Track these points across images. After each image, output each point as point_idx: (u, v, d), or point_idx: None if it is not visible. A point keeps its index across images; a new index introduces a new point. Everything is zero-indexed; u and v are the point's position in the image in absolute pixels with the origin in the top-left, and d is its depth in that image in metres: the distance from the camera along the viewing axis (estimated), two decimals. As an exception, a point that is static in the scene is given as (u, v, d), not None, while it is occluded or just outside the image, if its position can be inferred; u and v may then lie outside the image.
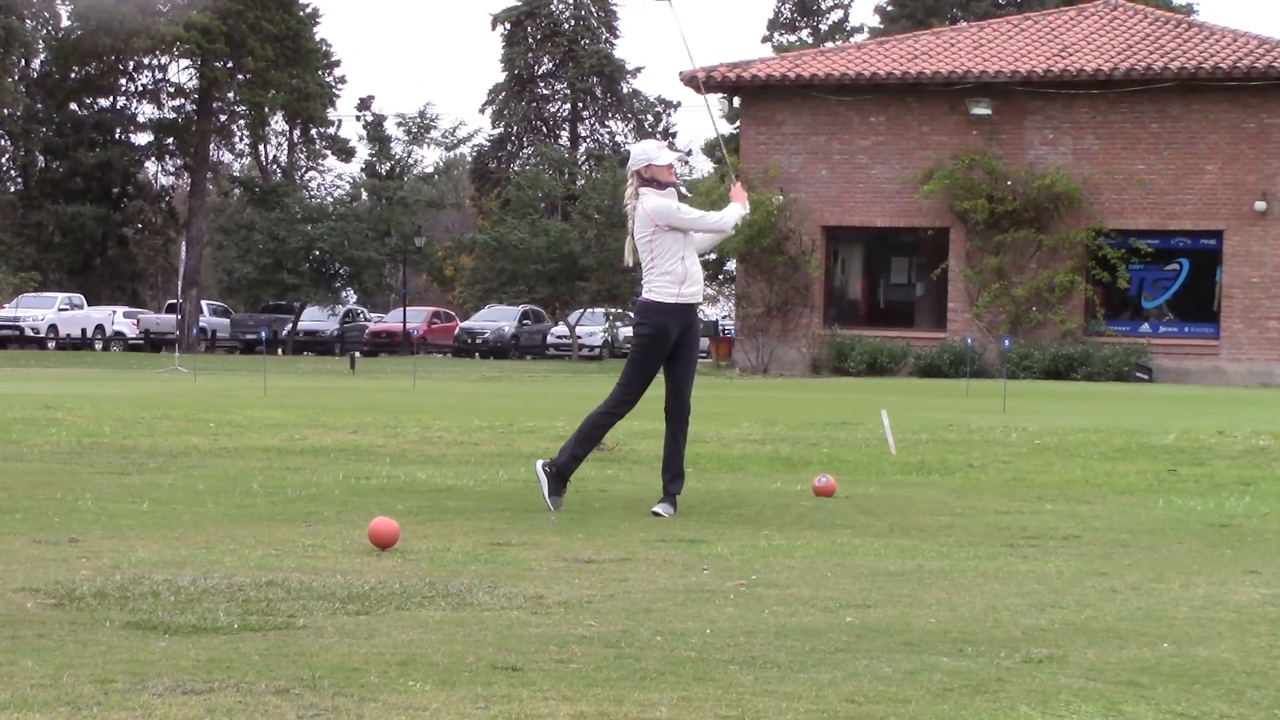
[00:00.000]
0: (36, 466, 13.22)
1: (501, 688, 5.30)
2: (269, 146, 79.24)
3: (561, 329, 63.82)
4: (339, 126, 78.95)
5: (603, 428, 10.75)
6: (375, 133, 74.42)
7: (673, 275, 10.47)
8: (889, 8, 78.67)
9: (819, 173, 41.45)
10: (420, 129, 71.73)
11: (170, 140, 74.24)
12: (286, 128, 78.73)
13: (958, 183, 39.91)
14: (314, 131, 77.88)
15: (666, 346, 10.48)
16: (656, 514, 10.39)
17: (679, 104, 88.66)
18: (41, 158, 74.31)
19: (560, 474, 10.62)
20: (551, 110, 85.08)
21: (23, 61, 73.15)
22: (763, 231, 40.95)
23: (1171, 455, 15.59)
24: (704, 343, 55.46)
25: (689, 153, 75.43)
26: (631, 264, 10.77)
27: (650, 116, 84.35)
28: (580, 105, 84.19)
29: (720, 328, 53.04)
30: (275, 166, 78.29)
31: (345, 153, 78.32)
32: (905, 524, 10.28)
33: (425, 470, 13.30)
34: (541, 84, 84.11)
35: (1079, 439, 17.16)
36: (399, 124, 72.81)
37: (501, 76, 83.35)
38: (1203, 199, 39.07)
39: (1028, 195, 39.55)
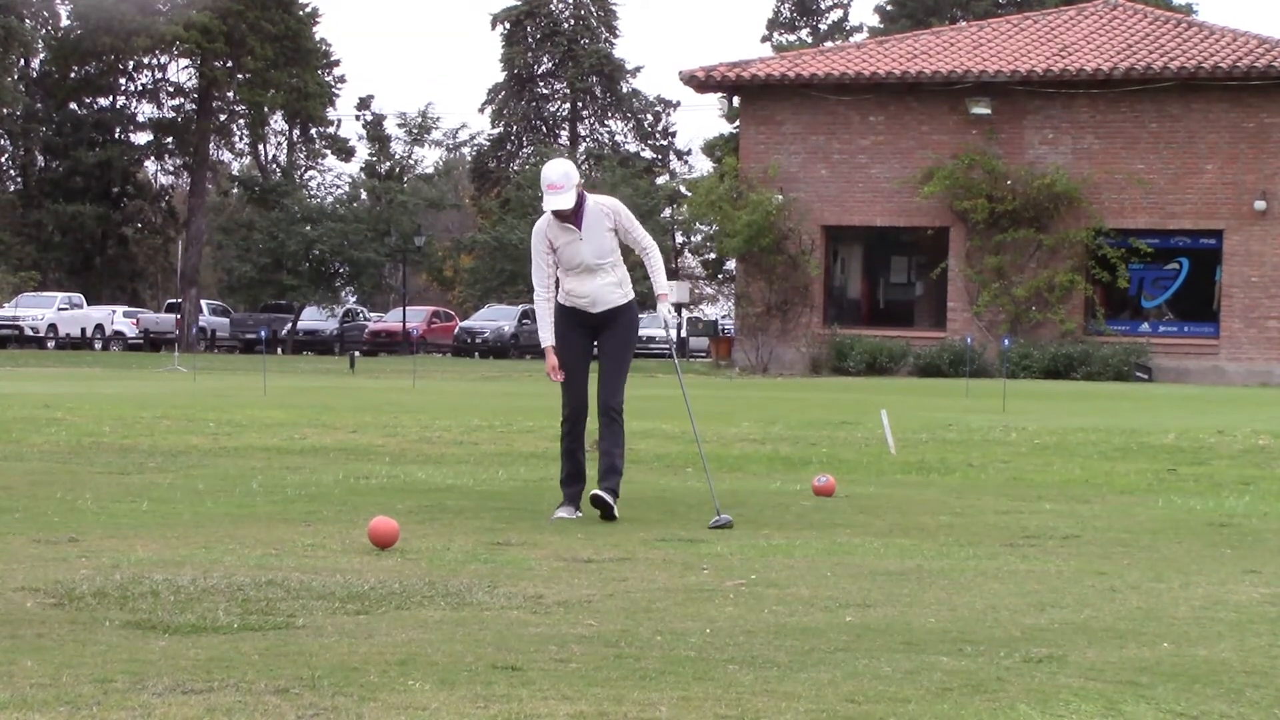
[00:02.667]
0: (36, 466, 13.23)
1: (501, 687, 5.30)
2: (268, 146, 79.25)
3: (561, 328, 63.76)
4: (338, 126, 78.95)
5: (564, 439, 10.51)
6: (375, 132, 74.35)
7: (562, 284, 10.49)
8: (888, 7, 78.68)
9: (818, 172, 41.45)
10: (421, 129, 71.72)
11: (170, 140, 74.20)
12: (286, 127, 78.71)
13: (957, 182, 39.93)
14: (313, 131, 77.87)
15: (569, 348, 10.43)
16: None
17: (678, 103, 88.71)
18: (41, 157, 74.28)
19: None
20: (551, 110, 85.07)
21: (22, 61, 73.13)
22: (762, 231, 40.96)
23: (1171, 455, 15.59)
24: (704, 342, 55.55)
25: (684, 154, 75.32)
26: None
27: (649, 116, 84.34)
28: (580, 105, 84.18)
29: (720, 327, 53.03)
30: (275, 166, 78.28)
31: (345, 152, 78.31)
32: (905, 523, 10.28)
33: (425, 470, 13.31)
34: (541, 83, 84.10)
35: (1079, 438, 17.16)
36: (400, 124, 72.79)
37: (501, 76, 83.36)
38: (1202, 198, 39.08)
39: (1027, 195, 39.56)
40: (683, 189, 69.34)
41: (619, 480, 10.34)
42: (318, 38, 75.15)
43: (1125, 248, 39.48)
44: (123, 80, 74.28)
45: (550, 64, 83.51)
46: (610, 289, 10.40)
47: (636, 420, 19.01)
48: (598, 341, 10.54)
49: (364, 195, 70.85)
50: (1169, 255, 39.85)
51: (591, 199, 10.32)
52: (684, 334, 60.86)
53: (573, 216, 10.21)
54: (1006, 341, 34.43)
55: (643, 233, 10.47)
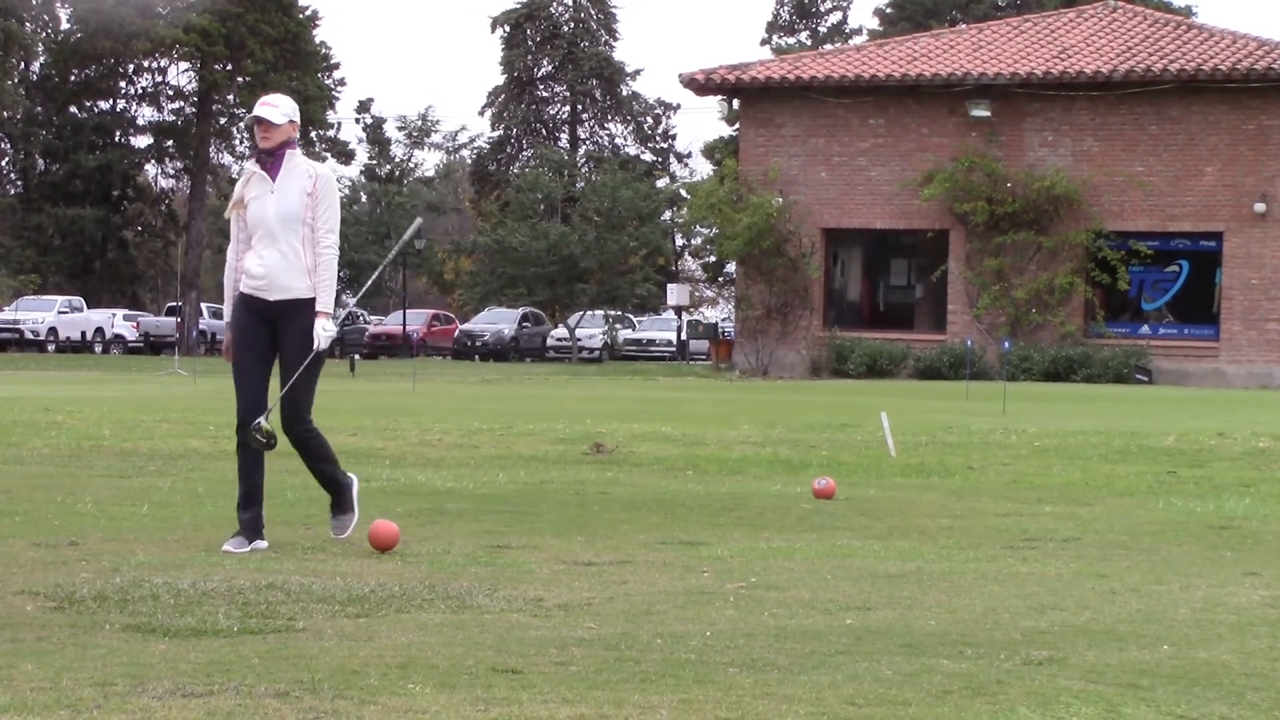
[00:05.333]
0: (36, 469, 13.22)
1: (501, 690, 5.31)
2: (268, 149, 79.19)
3: (561, 331, 63.87)
4: (338, 129, 78.97)
5: (239, 451, 9.11)
6: (375, 135, 74.35)
7: (245, 261, 8.99)
8: (888, 10, 78.72)
9: (818, 175, 41.45)
10: (420, 132, 71.77)
11: (170, 143, 74.21)
12: (286, 130, 78.70)
13: (957, 185, 39.92)
14: (314, 134, 77.89)
15: (243, 340, 8.99)
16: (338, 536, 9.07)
17: (678, 106, 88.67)
18: (41, 160, 74.27)
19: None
20: (551, 112, 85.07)
21: (23, 64, 73.14)
22: (762, 234, 40.96)
23: (1171, 457, 15.60)
24: (704, 344, 55.58)
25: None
26: None
27: (650, 118, 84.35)
28: (580, 107, 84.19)
29: (720, 330, 53.10)
30: (275, 169, 78.23)
31: (345, 155, 78.34)
32: (905, 526, 10.28)
33: (425, 473, 13.31)
34: (541, 86, 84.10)
35: (1079, 441, 17.16)
36: (400, 128, 72.82)
37: (501, 79, 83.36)
38: (1202, 201, 39.08)
39: (1027, 197, 39.56)
40: (683, 192, 69.34)
41: (350, 494, 9.12)
42: (317, 41, 75.18)
43: (1125, 250, 39.48)
44: (123, 84, 74.29)
45: (550, 67, 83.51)
46: (292, 273, 8.81)
47: (637, 423, 19.02)
48: (279, 342, 8.96)
49: (364, 198, 70.87)
50: (1169, 257, 39.84)
51: (302, 156, 8.96)
52: (684, 336, 60.90)
53: (271, 160, 8.84)
54: (1006, 344, 34.42)
55: (334, 223, 8.91)
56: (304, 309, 8.84)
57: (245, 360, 9.02)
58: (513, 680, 5.47)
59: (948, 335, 40.45)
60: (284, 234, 8.79)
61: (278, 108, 8.88)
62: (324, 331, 8.84)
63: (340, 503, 9.16)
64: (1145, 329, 39.90)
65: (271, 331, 8.93)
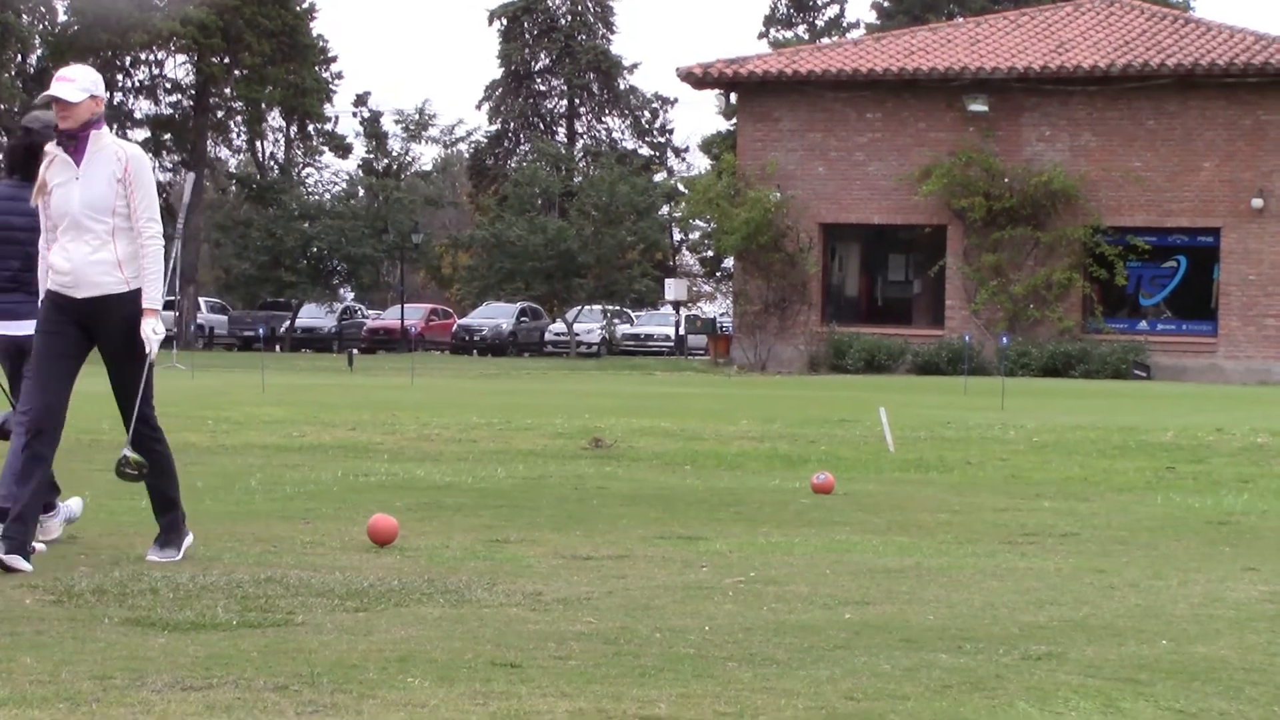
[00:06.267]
0: (34, 463, 13.20)
1: (500, 684, 5.31)
2: (266, 142, 79.19)
3: (559, 326, 63.86)
4: (336, 122, 78.85)
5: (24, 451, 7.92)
6: (372, 129, 74.26)
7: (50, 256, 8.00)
8: (885, 4, 78.66)
9: (816, 169, 41.44)
10: (418, 126, 71.66)
11: (167, 136, 74.16)
12: (283, 124, 78.67)
13: (955, 180, 39.90)
14: (311, 127, 77.80)
15: (48, 342, 8.11)
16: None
17: (676, 100, 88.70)
18: (38, 154, 74.23)
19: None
20: (548, 106, 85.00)
21: (19, 57, 73.09)
22: (760, 228, 40.95)
23: (1169, 453, 15.60)
24: (702, 339, 55.59)
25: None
26: None
27: (647, 112, 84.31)
28: (577, 101, 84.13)
29: (718, 325, 53.11)
30: (272, 163, 78.25)
31: (342, 149, 78.26)
32: (903, 521, 10.28)
33: (423, 467, 13.31)
34: (538, 80, 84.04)
35: (1077, 436, 17.17)
36: (397, 121, 72.76)
37: (498, 72, 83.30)
38: (1200, 196, 39.08)
39: (1025, 192, 39.55)
40: (680, 186, 69.34)
41: (179, 516, 8.18)
42: (315, 34, 75.10)
43: (1123, 245, 39.47)
44: (120, 77, 74.19)
45: (547, 60, 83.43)
46: (101, 268, 7.90)
47: (636, 418, 19.02)
48: (99, 347, 8.23)
49: (361, 192, 70.85)
50: (1166, 253, 39.84)
51: (111, 137, 7.97)
52: (682, 331, 60.88)
53: (74, 143, 7.84)
54: (1005, 339, 34.41)
55: (152, 210, 7.94)
56: (119, 305, 8.01)
57: (45, 364, 8.06)
58: (511, 674, 5.47)
59: (946, 330, 40.46)
60: (91, 224, 7.83)
61: (74, 82, 7.79)
62: (154, 334, 8.15)
63: (169, 531, 8.11)
64: (1143, 324, 39.90)
65: (81, 334, 8.10)
